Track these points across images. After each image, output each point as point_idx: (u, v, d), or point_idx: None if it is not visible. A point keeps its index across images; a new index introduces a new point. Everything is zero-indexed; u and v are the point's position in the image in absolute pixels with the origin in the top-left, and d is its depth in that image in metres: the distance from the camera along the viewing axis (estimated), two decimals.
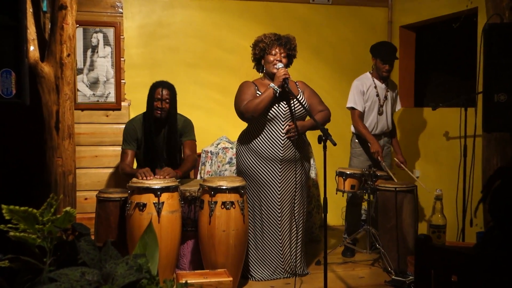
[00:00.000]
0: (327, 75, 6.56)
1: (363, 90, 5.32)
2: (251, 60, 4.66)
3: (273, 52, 4.45)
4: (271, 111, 4.40)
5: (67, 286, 1.40)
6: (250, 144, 4.51)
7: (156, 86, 4.70)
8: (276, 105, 4.42)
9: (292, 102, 4.45)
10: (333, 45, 6.62)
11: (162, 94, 4.62)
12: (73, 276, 1.43)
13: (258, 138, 4.48)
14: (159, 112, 4.62)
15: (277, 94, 4.34)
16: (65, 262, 1.54)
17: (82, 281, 1.42)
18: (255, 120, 4.41)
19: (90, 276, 1.44)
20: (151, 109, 4.66)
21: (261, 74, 4.65)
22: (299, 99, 4.42)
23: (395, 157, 5.52)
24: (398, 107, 5.62)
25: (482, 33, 4.14)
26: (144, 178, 4.13)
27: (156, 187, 4.00)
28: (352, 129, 5.45)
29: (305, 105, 4.40)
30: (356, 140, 5.42)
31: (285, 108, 4.44)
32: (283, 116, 4.43)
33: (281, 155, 4.44)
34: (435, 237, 3.07)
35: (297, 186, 4.55)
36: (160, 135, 4.72)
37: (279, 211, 4.49)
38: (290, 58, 4.57)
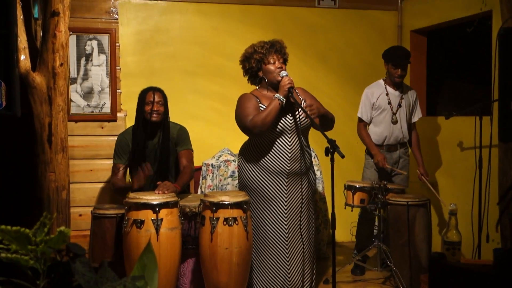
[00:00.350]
0: (334, 83, 6.57)
1: (373, 101, 5.37)
2: (244, 75, 4.60)
3: (271, 60, 4.44)
4: (278, 125, 4.37)
5: None
6: (255, 158, 4.48)
7: (147, 91, 4.71)
8: (283, 117, 4.40)
9: (297, 112, 4.44)
10: (340, 51, 6.64)
11: (154, 97, 4.64)
12: None
13: (264, 152, 4.45)
14: (155, 115, 4.62)
15: (283, 105, 4.32)
16: (59, 285, 1.54)
17: None
18: (263, 134, 4.39)
19: None
20: (143, 114, 4.65)
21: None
22: (304, 108, 4.41)
23: (417, 169, 5.55)
24: (419, 115, 5.60)
25: (497, 37, 4.14)
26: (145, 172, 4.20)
27: (154, 202, 4.00)
28: None
29: (310, 115, 4.40)
30: (366, 152, 5.47)
31: (291, 119, 4.42)
32: (290, 128, 4.41)
33: (288, 168, 4.43)
34: (450, 254, 3.05)
35: (303, 201, 4.53)
36: (154, 141, 4.71)
37: (286, 227, 4.47)
38: (285, 64, 4.57)
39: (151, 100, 4.62)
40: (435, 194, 5.42)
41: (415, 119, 5.58)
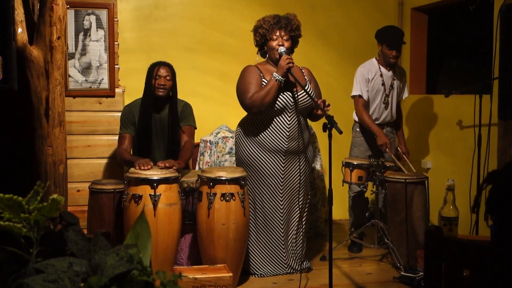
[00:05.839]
0: (334, 60, 6.53)
1: (368, 78, 5.27)
2: (255, 46, 4.64)
3: (274, 37, 4.43)
4: (278, 102, 4.37)
5: (54, 277, 1.39)
6: (253, 134, 4.50)
7: (155, 65, 4.71)
8: (283, 95, 4.38)
9: (295, 91, 4.42)
10: (340, 28, 6.58)
11: (162, 72, 4.65)
12: (60, 267, 1.42)
13: (262, 129, 4.46)
14: (161, 90, 4.63)
15: (281, 84, 4.32)
16: (53, 253, 1.53)
17: (69, 272, 1.41)
18: (262, 113, 4.40)
19: (78, 267, 1.43)
20: (151, 89, 4.66)
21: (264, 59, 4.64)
22: (307, 89, 4.39)
23: (398, 147, 5.52)
24: (405, 95, 5.57)
25: (499, 14, 4.11)
26: (143, 168, 4.13)
27: (153, 178, 4.00)
28: (354, 116, 5.42)
29: (312, 95, 4.36)
30: (358, 129, 5.39)
31: (292, 98, 4.41)
32: (290, 106, 4.41)
33: (285, 147, 4.43)
34: (447, 229, 3.06)
35: (300, 179, 4.54)
36: (160, 115, 4.72)
37: (281, 204, 4.49)
38: (294, 39, 4.53)
39: (159, 75, 4.62)
40: (399, 165, 5.27)
41: (401, 98, 5.55)
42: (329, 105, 4.23)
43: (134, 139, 4.75)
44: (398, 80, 5.41)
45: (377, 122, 5.32)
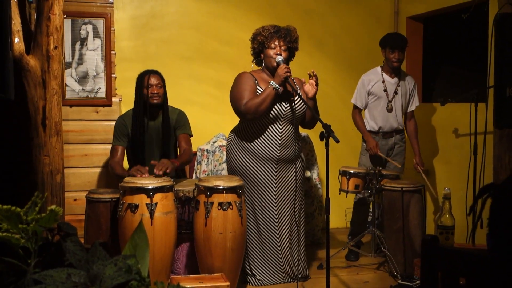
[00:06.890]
0: (330, 69, 6.55)
1: (368, 88, 5.38)
2: (251, 54, 4.66)
3: (272, 45, 4.45)
4: (272, 111, 4.39)
5: None
6: (245, 143, 4.51)
7: (144, 74, 4.74)
8: (277, 104, 4.40)
9: (292, 100, 4.45)
10: (336, 36, 6.61)
11: (153, 80, 4.67)
12: (58, 277, 1.42)
13: (254, 137, 4.47)
14: (155, 98, 4.64)
15: (278, 93, 4.34)
16: (51, 264, 1.53)
17: (68, 283, 1.41)
18: (256, 120, 4.41)
19: (76, 278, 1.44)
20: (143, 98, 4.66)
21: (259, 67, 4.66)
22: (300, 97, 4.43)
23: (413, 158, 5.56)
24: (416, 103, 5.59)
25: (494, 23, 4.13)
26: (140, 175, 4.14)
27: (149, 187, 4.00)
28: None
29: (303, 104, 4.39)
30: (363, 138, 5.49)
31: (286, 107, 4.43)
32: (283, 115, 4.42)
33: (277, 155, 4.45)
34: (443, 238, 3.07)
35: (292, 187, 4.55)
36: (155, 123, 4.74)
37: (276, 213, 4.50)
38: (291, 51, 4.55)
39: (150, 84, 4.63)
40: (428, 185, 5.43)
41: (412, 107, 5.57)
42: (313, 72, 4.39)
43: (126, 151, 4.77)
44: (404, 88, 5.44)
45: (384, 130, 5.39)
